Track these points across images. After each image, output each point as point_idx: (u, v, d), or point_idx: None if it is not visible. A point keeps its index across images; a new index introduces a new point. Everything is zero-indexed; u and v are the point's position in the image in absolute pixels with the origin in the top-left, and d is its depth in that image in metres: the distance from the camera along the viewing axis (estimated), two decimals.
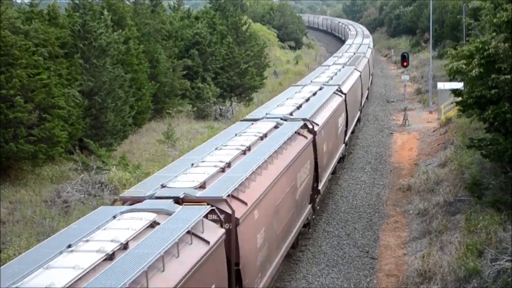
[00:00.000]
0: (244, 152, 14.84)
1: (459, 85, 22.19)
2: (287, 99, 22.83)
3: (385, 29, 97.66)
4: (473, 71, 17.60)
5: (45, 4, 32.67)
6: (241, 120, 19.43)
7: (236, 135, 16.58)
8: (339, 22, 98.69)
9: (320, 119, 20.53)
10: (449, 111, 33.34)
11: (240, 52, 43.06)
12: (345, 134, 27.20)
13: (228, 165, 13.70)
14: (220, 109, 39.43)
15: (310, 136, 18.56)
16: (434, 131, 33.36)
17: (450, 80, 28.16)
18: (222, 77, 41.72)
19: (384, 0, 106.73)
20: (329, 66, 35.69)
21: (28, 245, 16.72)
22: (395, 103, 44.25)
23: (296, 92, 24.51)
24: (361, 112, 35.75)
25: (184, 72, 39.55)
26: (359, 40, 59.10)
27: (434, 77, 41.96)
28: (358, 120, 34.57)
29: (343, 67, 34.26)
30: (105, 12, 33.18)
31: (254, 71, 43.52)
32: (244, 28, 48.88)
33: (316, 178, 19.94)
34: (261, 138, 16.37)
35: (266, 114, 19.67)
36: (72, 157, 25.30)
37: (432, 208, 20.36)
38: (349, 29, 79.36)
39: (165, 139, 30.43)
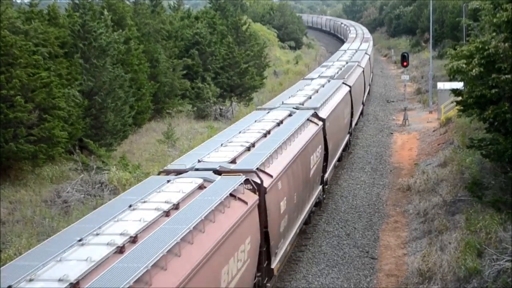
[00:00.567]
0: (120, 250, 8.87)
1: (459, 85, 22.20)
2: (237, 134, 16.66)
3: (385, 29, 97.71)
4: (473, 70, 17.62)
5: (45, 4, 32.68)
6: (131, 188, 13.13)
7: (120, 216, 10.23)
8: (341, 23, 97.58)
9: (274, 169, 14.61)
10: (449, 111, 33.35)
11: (240, 52, 43.07)
12: (324, 171, 21.53)
13: None
14: (220, 109, 39.45)
15: (252, 200, 12.71)
16: (434, 131, 33.38)
17: (450, 80, 28.22)
18: (222, 77, 41.74)
19: (384, 0, 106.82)
20: (312, 79, 29.35)
21: (29, 245, 16.73)
22: (395, 103, 44.27)
23: (256, 121, 18.52)
24: (351, 135, 30.24)
25: (184, 72, 39.58)
26: (356, 45, 52.93)
27: (434, 77, 41.99)
28: (347, 145, 29.05)
29: (329, 81, 28.36)
30: (105, 12, 33.21)
31: (254, 71, 43.54)
32: (244, 28, 48.93)
33: (267, 254, 13.95)
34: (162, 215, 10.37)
35: (194, 165, 13.47)
36: (72, 157, 25.31)
37: (432, 208, 20.36)
38: (350, 31, 77.79)
39: (165, 139, 30.45)
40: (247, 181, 12.96)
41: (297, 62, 66.86)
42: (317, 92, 24.78)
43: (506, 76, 17.10)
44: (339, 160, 26.03)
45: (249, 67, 42.67)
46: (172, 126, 31.89)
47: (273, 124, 17.97)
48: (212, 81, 40.37)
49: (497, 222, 16.09)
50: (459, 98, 20.18)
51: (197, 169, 13.29)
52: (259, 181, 13.32)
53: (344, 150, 27.48)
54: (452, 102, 29.82)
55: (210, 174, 12.83)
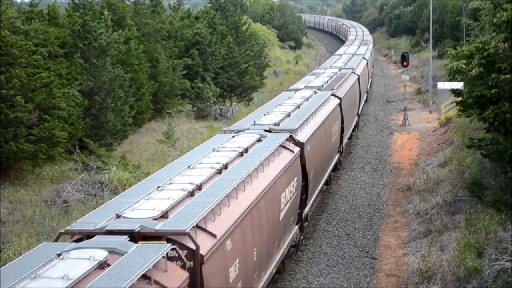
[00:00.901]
0: None
1: (459, 85, 22.20)
2: (183, 170, 13.09)
3: (385, 29, 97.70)
4: (473, 70, 17.62)
5: (45, 4, 32.68)
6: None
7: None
8: (342, 24, 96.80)
9: (221, 224, 11.00)
10: (449, 111, 33.35)
11: (240, 52, 43.07)
12: (302, 206, 18.09)
13: None
14: (220, 109, 39.45)
15: (177, 282, 9.05)
16: (434, 131, 33.38)
17: (450, 80, 28.20)
18: (222, 77, 41.74)
19: (384, 0, 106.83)
20: (296, 91, 25.31)
21: (28, 245, 16.73)
22: (395, 103, 44.27)
23: (214, 150, 14.90)
24: (341, 154, 26.51)
25: (184, 72, 39.59)
26: (353, 49, 48.65)
27: (434, 77, 41.99)
28: (337, 165, 25.40)
29: (315, 92, 24.49)
30: (105, 12, 33.21)
31: (254, 71, 43.54)
32: (244, 28, 48.93)
33: None
34: None
35: (107, 225, 9.85)
36: (72, 157, 25.32)
37: (432, 208, 20.36)
38: (350, 32, 76.50)
39: (165, 139, 30.45)
40: (174, 250, 9.47)
41: (297, 62, 66.88)
42: (299, 107, 21.25)
43: (506, 76, 17.10)
44: (326, 184, 23.27)
45: (249, 67, 42.66)
46: (172, 126, 31.89)
47: (234, 155, 14.33)
48: (212, 81, 40.37)
49: (497, 222, 16.09)
50: (459, 98, 20.19)
51: (109, 231, 9.62)
52: (193, 247, 9.71)
53: (333, 170, 24.46)
54: (452, 102, 29.82)
55: (122, 242, 9.11)
